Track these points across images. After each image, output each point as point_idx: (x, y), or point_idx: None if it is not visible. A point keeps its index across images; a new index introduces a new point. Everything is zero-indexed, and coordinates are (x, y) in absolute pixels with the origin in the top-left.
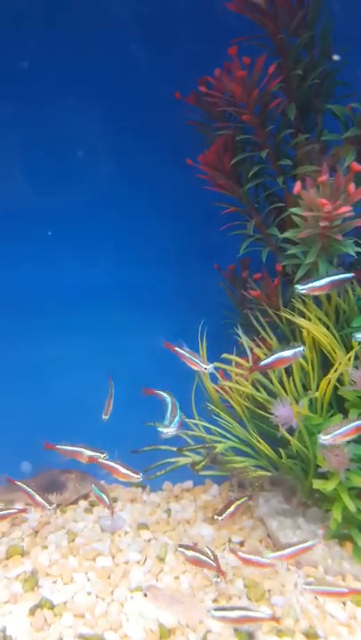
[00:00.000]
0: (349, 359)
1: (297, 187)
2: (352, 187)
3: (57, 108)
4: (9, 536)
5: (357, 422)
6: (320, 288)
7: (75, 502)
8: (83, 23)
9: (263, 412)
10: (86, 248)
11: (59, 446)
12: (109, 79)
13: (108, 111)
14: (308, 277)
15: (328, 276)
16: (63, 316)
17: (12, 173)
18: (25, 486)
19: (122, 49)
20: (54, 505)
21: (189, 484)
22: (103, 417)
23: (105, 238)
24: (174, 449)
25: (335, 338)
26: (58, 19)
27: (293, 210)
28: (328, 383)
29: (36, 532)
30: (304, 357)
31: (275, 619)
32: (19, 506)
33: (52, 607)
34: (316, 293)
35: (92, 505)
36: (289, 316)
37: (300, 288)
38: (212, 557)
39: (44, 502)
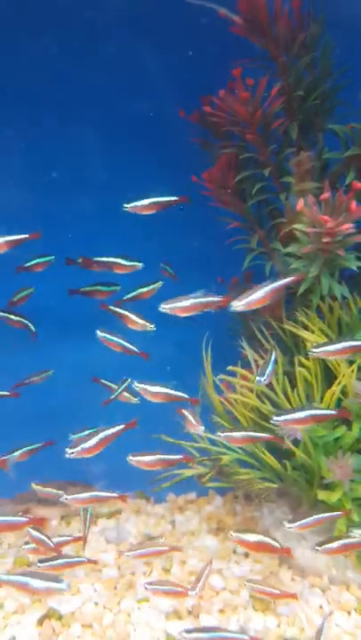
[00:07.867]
0: (353, 371)
1: (300, 204)
2: (354, 204)
3: (57, 127)
4: (15, 547)
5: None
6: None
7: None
8: (85, 41)
9: (268, 424)
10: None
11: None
12: (112, 98)
13: (110, 129)
14: (310, 291)
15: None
16: (63, 329)
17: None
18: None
19: (125, 68)
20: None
21: (193, 495)
22: None
23: (106, 252)
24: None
25: None
26: (58, 37)
27: (296, 226)
28: (332, 395)
29: None
30: (308, 369)
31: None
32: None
33: (59, 618)
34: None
35: (97, 516)
36: (292, 329)
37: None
38: None
39: None
